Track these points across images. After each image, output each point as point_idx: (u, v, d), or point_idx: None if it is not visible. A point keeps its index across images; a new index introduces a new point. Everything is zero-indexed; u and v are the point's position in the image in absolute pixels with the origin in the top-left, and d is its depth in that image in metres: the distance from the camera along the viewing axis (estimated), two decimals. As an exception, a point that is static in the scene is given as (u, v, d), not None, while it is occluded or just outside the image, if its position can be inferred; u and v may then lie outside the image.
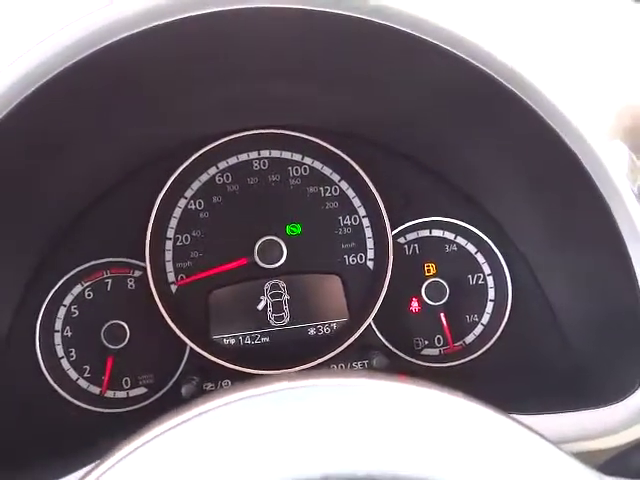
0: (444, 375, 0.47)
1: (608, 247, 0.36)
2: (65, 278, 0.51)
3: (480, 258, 0.52)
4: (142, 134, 0.49)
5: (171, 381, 0.49)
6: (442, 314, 0.51)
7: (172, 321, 0.49)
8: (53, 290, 0.50)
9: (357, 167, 0.51)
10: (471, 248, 0.52)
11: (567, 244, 0.42)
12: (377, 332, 0.50)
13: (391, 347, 0.50)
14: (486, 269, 0.52)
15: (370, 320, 0.49)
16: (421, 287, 0.51)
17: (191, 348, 0.50)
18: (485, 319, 0.52)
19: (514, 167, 0.44)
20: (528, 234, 0.47)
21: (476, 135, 0.43)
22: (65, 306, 0.51)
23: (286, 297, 0.52)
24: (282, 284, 0.52)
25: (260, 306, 0.52)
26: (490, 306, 0.52)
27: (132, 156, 0.51)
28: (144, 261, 0.50)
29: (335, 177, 0.53)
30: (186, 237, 0.52)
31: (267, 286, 0.52)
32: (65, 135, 0.42)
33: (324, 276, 0.53)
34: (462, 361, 0.49)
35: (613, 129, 0.41)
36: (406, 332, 0.50)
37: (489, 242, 0.50)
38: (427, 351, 0.50)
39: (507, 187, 0.46)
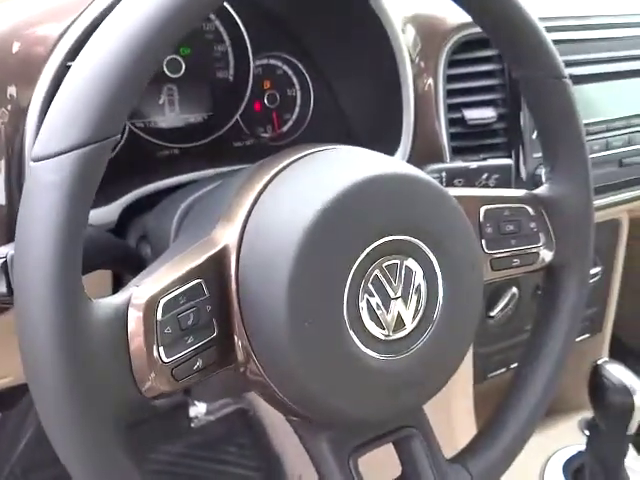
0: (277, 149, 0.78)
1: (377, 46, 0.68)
2: None
3: (295, 80, 0.82)
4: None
5: None
6: (273, 113, 0.81)
7: None
8: None
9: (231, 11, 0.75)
10: (290, 72, 0.82)
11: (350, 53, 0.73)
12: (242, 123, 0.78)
13: (247, 131, 0.79)
14: (297, 87, 0.83)
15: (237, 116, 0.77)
16: (263, 95, 0.80)
17: None
18: (295, 115, 0.83)
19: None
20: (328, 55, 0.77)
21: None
22: None
23: (177, 97, 0.76)
24: (175, 87, 0.75)
25: (160, 102, 0.75)
26: (297, 110, 0.84)
27: None
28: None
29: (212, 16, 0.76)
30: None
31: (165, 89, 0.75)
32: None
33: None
34: (284, 141, 0.81)
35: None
36: (254, 123, 0.80)
37: (302, 69, 0.81)
38: (264, 134, 0.80)
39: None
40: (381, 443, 0.53)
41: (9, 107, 0.51)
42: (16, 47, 0.51)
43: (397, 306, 0.46)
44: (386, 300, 0.46)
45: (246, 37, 0.75)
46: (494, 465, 0.58)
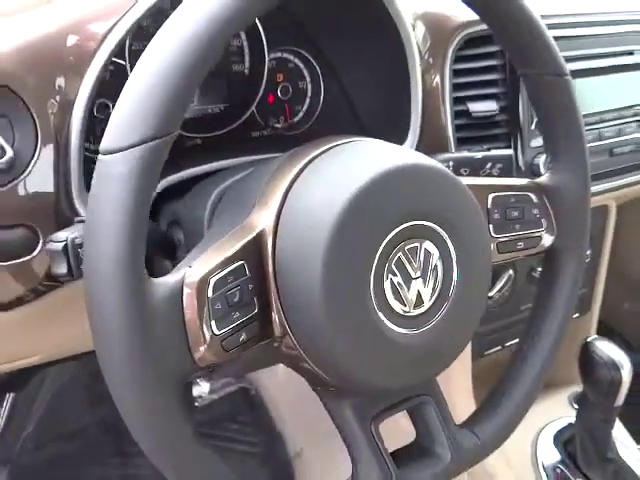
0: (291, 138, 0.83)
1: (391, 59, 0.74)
2: None
3: (306, 72, 0.86)
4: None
5: None
6: (285, 105, 0.86)
7: None
8: None
9: None
10: (301, 65, 0.86)
11: (360, 49, 0.77)
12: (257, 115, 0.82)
13: (261, 122, 0.83)
14: (308, 79, 0.87)
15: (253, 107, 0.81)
16: (277, 88, 0.84)
17: None
18: (305, 107, 0.88)
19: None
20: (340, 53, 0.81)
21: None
22: None
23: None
24: None
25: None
26: (307, 102, 0.88)
27: None
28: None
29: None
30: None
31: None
32: None
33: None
34: (296, 132, 0.86)
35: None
36: (268, 114, 0.84)
37: (313, 62, 0.85)
38: (277, 125, 0.85)
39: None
40: (399, 410, 0.58)
41: (57, 98, 0.54)
42: (70, 41, 0.55)
43: (417, 285, 0.51)
44: (407, 279, 0.51)
45: (262, 32, 0.79)
46: (499, 430, 0.64)
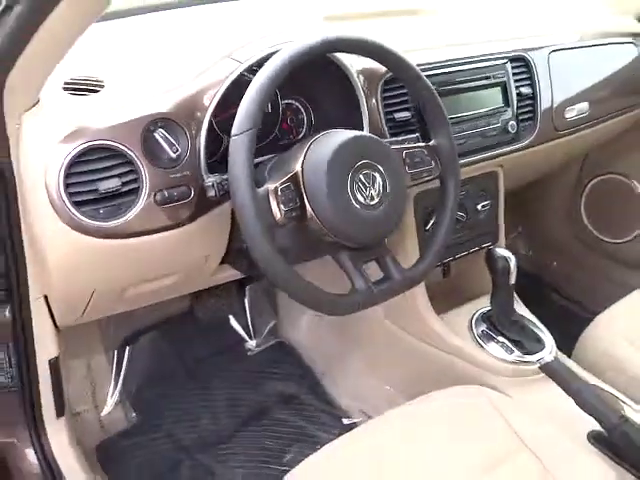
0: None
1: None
2: None
3: (303, 110, 1.49)
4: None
5: None
6: (293, 128, 1.48)
7: None
8: None
9: None
10: (300, 107, 1.49)
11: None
12: (278, 134, 1.45)
13: (280, 137, 1.47)
14: (304, 114, 1.48)
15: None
16: (287, 119, 1.47)
17: None
18: (304, 129, 1.49)
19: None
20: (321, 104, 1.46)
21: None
22: None
23: None
24: None
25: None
26: (305, 125, 1.51)
27: None
28: None
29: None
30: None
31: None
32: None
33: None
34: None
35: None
36: (283, 133, 1.47)
37: (307, 104, 1.48)
38: (288, 139, 1.47)
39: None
40: (372, 259, 1.20)
41: (195, 122, 1.17)
42: (206, 97, 1.18)
43: (370, 190, 1.13)
44: (365, 188, 1.13)
45: (277, 90, 1.43)
46: (423, 270, 1.25)
